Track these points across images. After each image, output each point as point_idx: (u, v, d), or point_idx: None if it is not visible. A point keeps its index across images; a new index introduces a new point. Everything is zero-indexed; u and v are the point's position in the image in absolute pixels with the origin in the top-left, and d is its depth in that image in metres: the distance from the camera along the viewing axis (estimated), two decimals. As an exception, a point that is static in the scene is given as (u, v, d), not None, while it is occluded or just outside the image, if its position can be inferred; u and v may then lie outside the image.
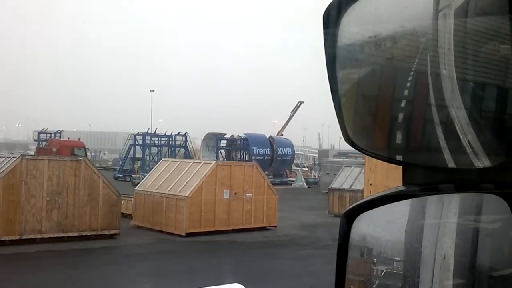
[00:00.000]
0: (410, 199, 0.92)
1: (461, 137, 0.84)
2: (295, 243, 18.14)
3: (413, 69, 0.92)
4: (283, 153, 50.15)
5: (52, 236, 16.26)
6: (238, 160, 44.08)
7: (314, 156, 70.97)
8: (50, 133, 53.28)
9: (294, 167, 54.43)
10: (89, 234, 16.97)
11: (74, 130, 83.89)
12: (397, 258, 0.93)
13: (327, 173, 38.63)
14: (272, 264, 14.53)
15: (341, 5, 0.93)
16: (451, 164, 0.86)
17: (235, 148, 50.84)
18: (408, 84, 0.93)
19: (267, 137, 51.44)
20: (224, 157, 49.21)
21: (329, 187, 26.90)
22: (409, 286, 0.93)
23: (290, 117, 59.82)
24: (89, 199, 17.10)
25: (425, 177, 0.90)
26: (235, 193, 19.81)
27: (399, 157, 0.96)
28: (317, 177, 49.95)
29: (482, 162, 0.82)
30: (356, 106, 1.01)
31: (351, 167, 28.04)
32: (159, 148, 50.84)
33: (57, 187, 16.52)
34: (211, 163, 20.66)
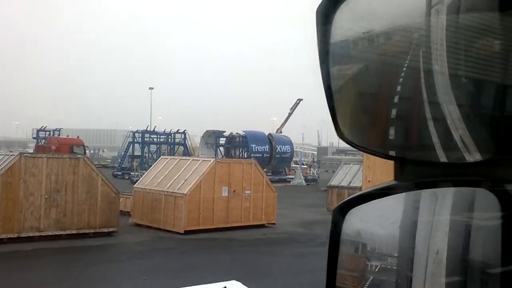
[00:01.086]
0: (404, 194, 0.93)
1: (453, 132, 0.84)
2: (293, 241, 18.17)
3: (406, 65, 0.92)
4: (282, 151, 50.14)
5: (50, 234, 16.26)
6: (237, 158, 44.09)
7: (313, 154, 71.00)
8: (49, 131, 53.18)
9: (293, 165, 54.45)
10: (87, 232, 16.97)
11: (73, 128, 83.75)
12: (391, 253, 0.93)
13: (326, 171, 38.66)
14: (270, 262, 14.55)
15: (334, 2, 0.93)
16: (443, 159, 0.87)
17: (234, 146, 50.84)
18: (401, 80, 0.93)
19: (266, 134, 51.43)
20: (223, 154, 49.20)
21: (328, 184, 26.93)
22: (402, 281, 0.93)
23: (289, 114, 59.85)
24: (88, 196, 17.09)
25: (417, 172, 0.91)
26: (234, 191, 19.82)
27: (392, 152, 0.96)
28: (316, 174, 49.99)
29: (473, 157, 0.83)
30: (350, 102, 1.01)
31: (349, 164, 28.07)
32: (158, 145, 50.83)
33: (56, 185, 16.51)
34: (210, 160, 20.66)
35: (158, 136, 51.06)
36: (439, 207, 0.94)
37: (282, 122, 60.11)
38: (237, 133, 51.45)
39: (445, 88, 0.86)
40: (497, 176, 0.82)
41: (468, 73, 0.85)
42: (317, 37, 0.95)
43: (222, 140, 51.73)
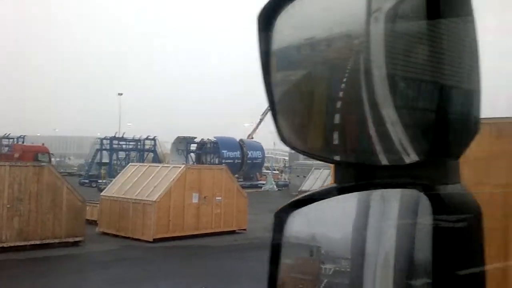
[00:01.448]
0: (348, 196, 0.94)
1: (392, 135, 0.86)
2: (265, 246, 18.10)
3: (348, 71, 0.94)
4: (253, 156, 50.28)
5: (13, 245, 15.69)
6: (209, 164, 43.91)
7: (284, 159, 71.50)
8: (13, 138, 51.60)
9: (264, 170, 54.64)
10: (52, 242, 16.48)
11: (38, 135, 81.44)
12: (335, 256, 0.94)
13: (297, 176, 39.00)
14: (242, 268, 14.49)
15: (275, 8, 0.94)
16: (383, 162, 0.88)
17: (205, 152, 50.63)
18: (343, 86, 0.95)
19: (238, 140, 51.45)
20: (194, 160, 48.89)
21: (299, 189, 27.17)
22: (354, 283, 0.94)
23: (261, 120, 60.07)
24: (52, 205, 16.62)
25: (357, 175, 0.92)
26: (205, 197, 19.70)
27: (334, 157, 0.97)
28: (287, 179, 50.29)
29: (410, 159, 0.84)
30: (293, 107, 1.02)
31: (320, 169, 28.42)
32: (127, 152, 50.07)
33: (19, 194, 15.98)
34: (180, 167, 20.49)
35: (127, 143, 50.29)
36: (381, 208, 0.96)
37: (254, 128, 60.33)
38: (208, 139, 51.28)
39: (384, 92, 0.88)
40: (430, 178, 0.84)
41: (405, 78, 0.87)
42: (258, 43, 0.95)
43: (194, 147, 51.42)
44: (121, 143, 49.87)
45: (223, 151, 48.06)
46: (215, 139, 50.54)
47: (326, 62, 0.96)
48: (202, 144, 51.17)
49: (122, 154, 50.16)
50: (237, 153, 49.12)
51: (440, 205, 0.81)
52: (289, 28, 0.95)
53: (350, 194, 0.93)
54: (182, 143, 50.76)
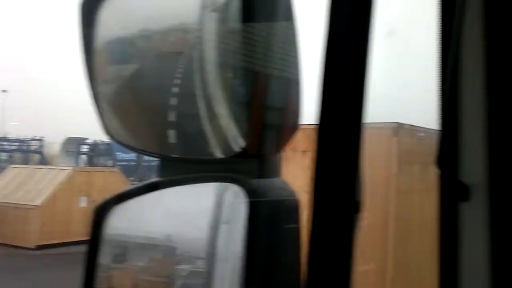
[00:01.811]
0: (175, 190, 0.93)
1: (223, 129, 0.88)
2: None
3: (181, 65, 0.93)
4: (149, 158, 48.83)
5: None
6: (102, 167, 41.71)
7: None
8: None
9: (162, 173, 53.30)
10: None
11: None
12: (156, 250, 0.93)
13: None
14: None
15: None
16: (216, 156, 0.89)
17: (98, 154, 47.99)
18: (176, 81, 0.94)
19: (134, 142, 49.56)
20: (86, 163, 46.09)
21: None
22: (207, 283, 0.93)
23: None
24: None
25: (182, 169, 0.92)
26: (94, 201, 18.68)
27: (169, 153, 0.96)
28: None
29: (235, 153, 0.86)
30: (125, 103, 0.99)
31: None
32: (10, 154, 45.63)
33: None
34: (67, 169, 19.23)
35: (10, 144, 45.84)
36: (224, 204, 0.97)
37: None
38: (101, 140, 48.69)
39: (216, 88, 0.89)
40: (251, 171, 0.87)
41: (235, 74, 0.89)
42: (81, 36, 0.90)
43: (86, 148, 48.47)
44: (3, 143, 45.34)
45: (117, 153, 45.98)
46: (109, 140, 48.18)
47: (159, 56, 0.94)
48: (94, 146, 48.43)
49: (4, 156, 45.58)
50: (133, 155, 47.31)
51: (257, 198, 0.81)
52: (118, 20, 0.92)
53: (188, 188, 0.93)
54: (73, 145, 47.60)
